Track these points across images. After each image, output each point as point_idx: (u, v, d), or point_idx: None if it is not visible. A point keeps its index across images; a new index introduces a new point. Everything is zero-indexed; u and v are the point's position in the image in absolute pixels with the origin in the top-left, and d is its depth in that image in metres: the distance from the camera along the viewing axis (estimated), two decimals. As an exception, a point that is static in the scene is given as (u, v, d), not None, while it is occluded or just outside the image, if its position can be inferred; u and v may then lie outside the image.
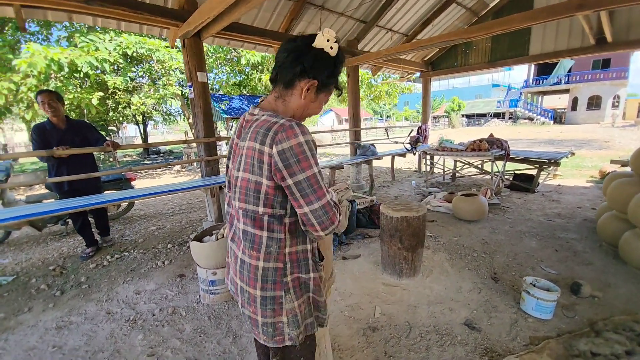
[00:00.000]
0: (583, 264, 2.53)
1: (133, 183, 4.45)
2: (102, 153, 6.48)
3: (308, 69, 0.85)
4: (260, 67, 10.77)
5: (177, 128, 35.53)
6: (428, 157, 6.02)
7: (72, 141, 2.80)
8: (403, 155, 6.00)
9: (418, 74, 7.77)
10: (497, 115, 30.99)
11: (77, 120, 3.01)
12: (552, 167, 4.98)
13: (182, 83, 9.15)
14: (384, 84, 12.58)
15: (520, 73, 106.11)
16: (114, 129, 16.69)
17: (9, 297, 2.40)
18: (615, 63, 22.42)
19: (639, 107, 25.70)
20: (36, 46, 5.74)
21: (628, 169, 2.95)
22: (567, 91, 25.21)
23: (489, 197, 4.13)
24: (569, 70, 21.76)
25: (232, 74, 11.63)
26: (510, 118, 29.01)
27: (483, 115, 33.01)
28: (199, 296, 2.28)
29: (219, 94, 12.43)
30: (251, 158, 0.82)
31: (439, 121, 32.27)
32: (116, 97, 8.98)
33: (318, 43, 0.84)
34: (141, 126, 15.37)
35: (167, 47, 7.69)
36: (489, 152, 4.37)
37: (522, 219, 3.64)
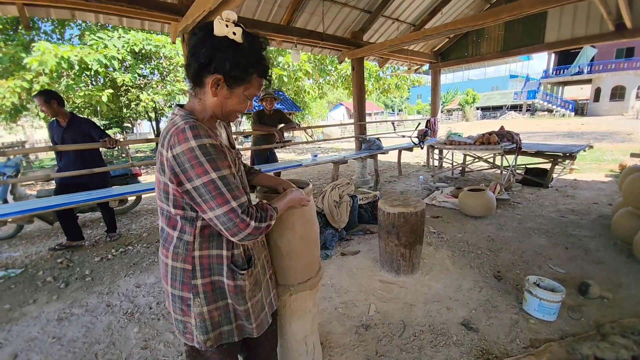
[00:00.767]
0: (594, 263, 2.40)
1: (140, 178, 4.56)
2: (113, 150, 6.61)
3: (206, 63, 0.77)
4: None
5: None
6: (437, 151, 5.86)
7: (71, 138, 2.88)
8: (410, 149, 5.86)
9: (427, 66, 7.54)
10: (514, 108, 29.89)
11: (81, 118, 3.07)
12: (567, 160, 4.75)
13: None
14: (393, 77, 12.31)
15: (539, 63, 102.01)
16: (129, 125, 17.04)
17: (16, 289, 2.48)
18: (639, 52, 21.23)
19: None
20: (46, 44, 5.89)
21: (648, 162, 2.76)
22: (589, 81, 24.05)
23: (498, 193, 3.98)
24: (592, 60, 20.71)
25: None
26: (528, 110, 27.92)
27: (499, 108, 31.94)
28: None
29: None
30: (159, 159, 0.81)
31: (452, 114, 31.44)
32: (128, 94, 9.16)
33: (217, 31, 0.76)
34: (154, 123, 15.64)
35: (173, 43, 7.75)
36: (499, 145, 4.20)
37: (533, 215, 3.49)
